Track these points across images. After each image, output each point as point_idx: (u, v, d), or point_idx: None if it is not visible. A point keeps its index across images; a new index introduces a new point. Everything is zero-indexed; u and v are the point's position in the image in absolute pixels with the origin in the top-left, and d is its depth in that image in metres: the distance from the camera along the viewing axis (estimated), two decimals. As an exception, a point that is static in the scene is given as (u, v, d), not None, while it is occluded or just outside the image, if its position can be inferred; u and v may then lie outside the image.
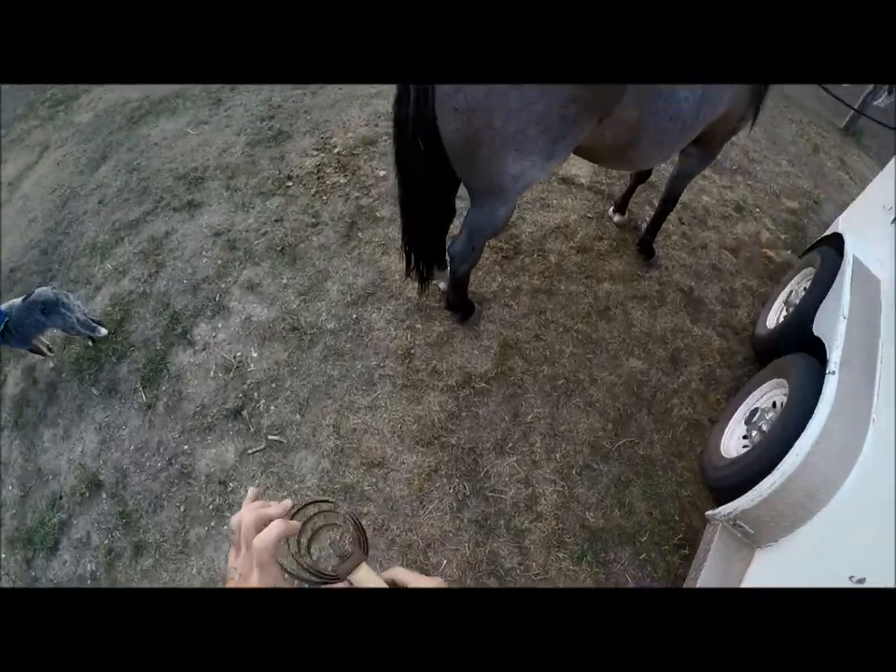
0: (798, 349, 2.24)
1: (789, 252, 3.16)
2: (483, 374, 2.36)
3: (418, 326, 2.54)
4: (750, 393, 2.30)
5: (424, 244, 2.13)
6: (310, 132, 3.57)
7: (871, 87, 4.16)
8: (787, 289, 2.67)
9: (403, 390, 2.31)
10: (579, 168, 3.36)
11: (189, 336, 2.67)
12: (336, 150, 3.37)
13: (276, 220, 3.01)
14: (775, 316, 2.65)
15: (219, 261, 2.90)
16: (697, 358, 2.58)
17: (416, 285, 2.35)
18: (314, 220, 2.98)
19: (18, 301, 2.57)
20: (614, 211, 3.01)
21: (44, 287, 2.58)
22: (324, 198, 3.08)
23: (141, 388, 2.56)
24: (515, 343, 2.46)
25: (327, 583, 0.60)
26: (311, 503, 0.65)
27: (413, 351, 2.46)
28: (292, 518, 0.61)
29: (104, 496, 2.32)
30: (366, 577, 0.60)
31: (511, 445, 2.22)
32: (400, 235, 2.13)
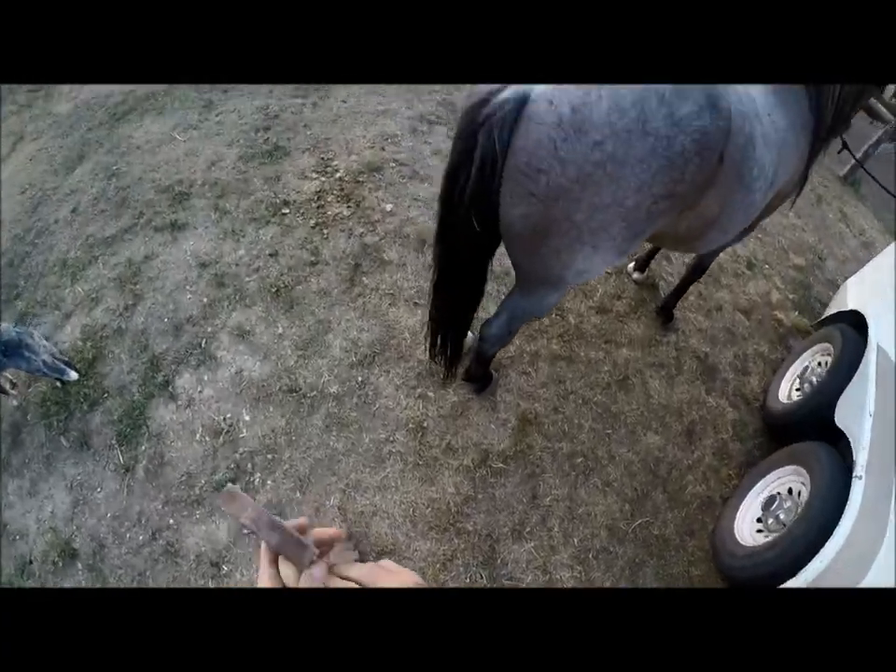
0: (816, 434, 2.21)
1: (796, 314, 3.14)
2: (500, 453, 2.23)
3: (430, 394, 2.37)
4: (765, 475, 2.26)
5: (457, 323, 1.93)
6: (310, 150, 3.29)
7: (874, 138, 4.20)
8: (800, 363, 2.64)
9: (416, 469, 2.15)
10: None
11: (170, 388, 2.42)
12: (338, 175, 3.12)
13: (271, 255, 2.76)
14: (786, 389, 2.61)
15: (205, 299, 2.64)
16: (711, 431, 2.53)
17: (443, 370, 2.13)
18: (313, 258, 2.74)
19: (-26, 333, 2.28)
20: (634, 269, 2.90)
21: (5, 324, 2.28)
22: (324, 232, 2.85)
23: (117, 446, 2.31)
24: (534, 417, 2.33)
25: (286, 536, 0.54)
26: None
27: (425, 424, 2.29)
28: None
29: (79, 566, 2.08)
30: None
31: (528, 530, 2.10)
32: (429, 313, 1.92)
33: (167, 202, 3.09)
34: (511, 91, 1.26)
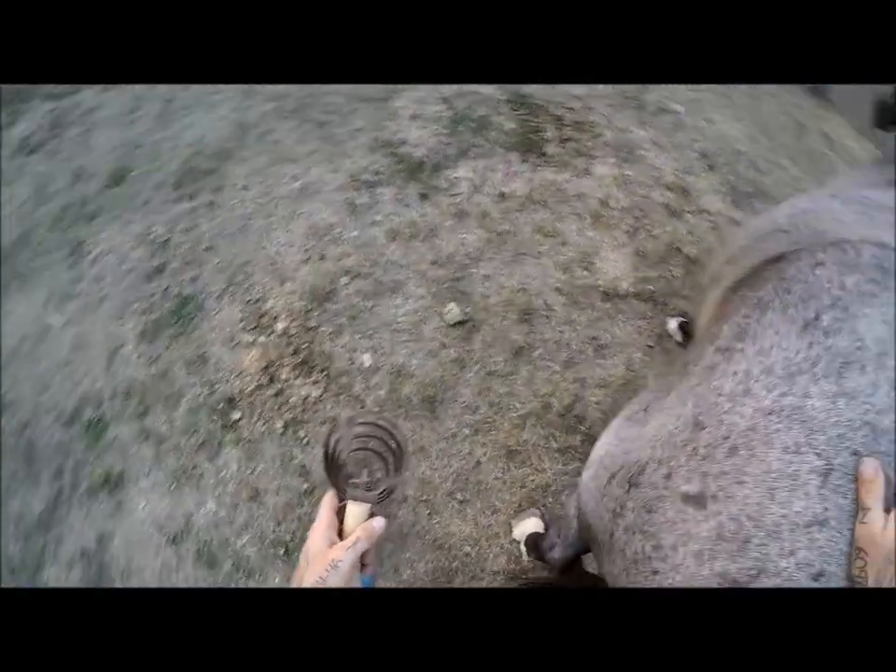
0: None
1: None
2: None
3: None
4: None
5: None
6: (226, 292, 2.33)
7: None
8: None
9: None
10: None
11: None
12: (280, 327, 2.21)
13: (251, 499, 2.02)
14: None
15: (204, 585, 1.99)
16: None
17: None
18: (306, 485, 1.98)
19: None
20: None
21: None
22: (300, 435, 2.04)
23: None
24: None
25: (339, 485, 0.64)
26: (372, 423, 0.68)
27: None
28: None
29: None
30: (353, 518, 0.62)
31: None
32: None
33: (81, 441, 2.28)
34: None
